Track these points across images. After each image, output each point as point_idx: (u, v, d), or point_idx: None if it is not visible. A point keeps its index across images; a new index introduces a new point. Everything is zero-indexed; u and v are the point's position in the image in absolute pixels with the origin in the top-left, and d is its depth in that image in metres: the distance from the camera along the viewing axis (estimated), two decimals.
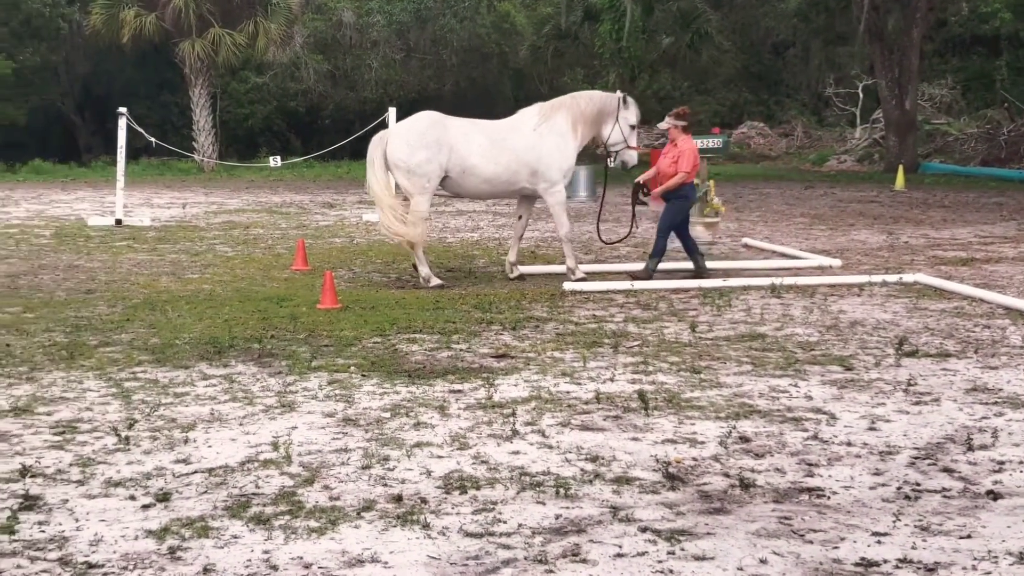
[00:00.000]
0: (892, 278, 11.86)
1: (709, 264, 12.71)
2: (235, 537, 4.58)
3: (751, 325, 9.45)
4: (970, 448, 5.82)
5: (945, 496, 5.09)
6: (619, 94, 12.36)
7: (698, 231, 16.03)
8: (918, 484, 5.26)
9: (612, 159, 12.41)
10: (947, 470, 5.49)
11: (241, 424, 6.29)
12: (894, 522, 4.74)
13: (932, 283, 11.57)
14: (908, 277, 11.89)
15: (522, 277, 12.29)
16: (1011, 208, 21.49)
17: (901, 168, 28.63)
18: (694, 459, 5.66)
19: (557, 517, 4.81)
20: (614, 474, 5.40)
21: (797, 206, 22.83)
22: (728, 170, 34.49)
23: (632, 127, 12.22)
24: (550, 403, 6.78)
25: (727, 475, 5.40)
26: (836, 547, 4.47)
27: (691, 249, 12.47)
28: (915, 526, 4.70)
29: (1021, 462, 5.59)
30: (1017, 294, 10.97)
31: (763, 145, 42.88)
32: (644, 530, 4.65)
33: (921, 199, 23.92)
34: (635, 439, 6.02)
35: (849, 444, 5.92)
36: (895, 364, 7.89)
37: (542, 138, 11.93)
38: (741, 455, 5.74)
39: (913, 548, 4.45)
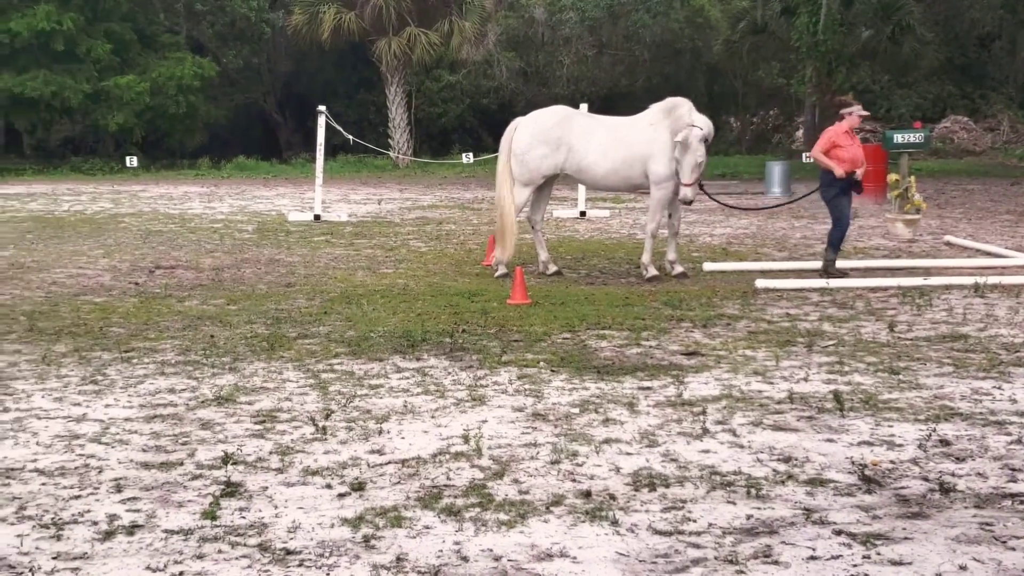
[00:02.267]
0: None
1: (908, 263, 12.26)
2: (427, 527, 4.69)
3: (953, 325, 9.11)
4: None
5: None
6: (697, 131, 11.62)
7: (899, 228, 15.56)
8: None
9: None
10: None
11: (433, 416, 6.44)
12: None
13: None
14: None
15: (685, 275, 12.11)
16: None
17: None
18: (891, 462, 5.50)
19: (748, 517, 4.75)
20: (807, 475, 5.30)
21: (1003, 203, 21.85)
22: (930, 166, 33.26)
23: (698, 164, 11.61)
24: (741, 402, 6.69)
25: (926, 479, 5.23)
26: None
27: None
28: None
29: None
30: None
31: (967, 140, 41.19)
32: (839, 533, 4.56)
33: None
34: (830, 440, 5.89)
35: None
36: None
37: (658, 133, 11.92)
38: (941, 459, 5.55)
39: None
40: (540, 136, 12.11)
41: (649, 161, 11.92)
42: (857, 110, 12.10)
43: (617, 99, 41.92)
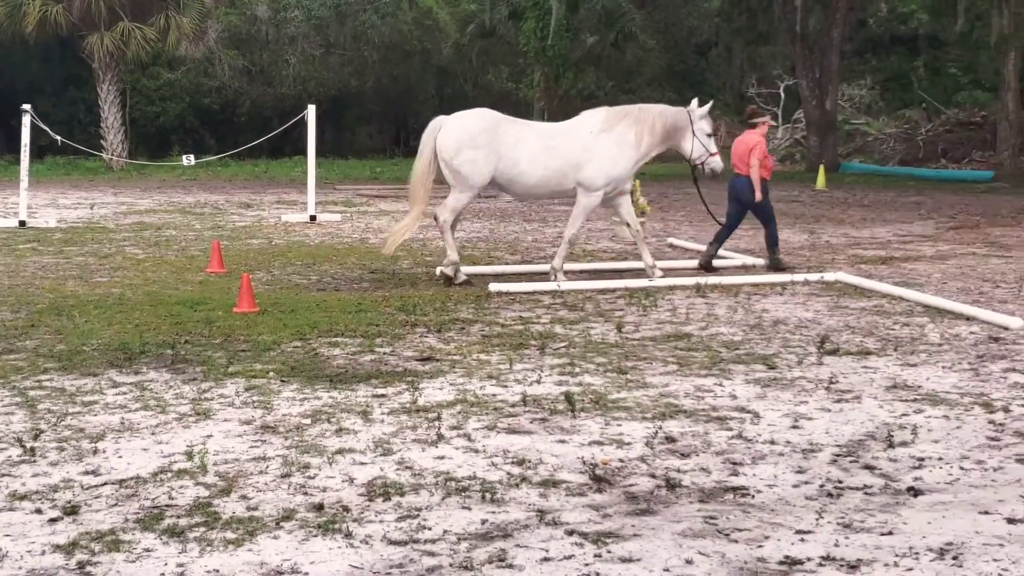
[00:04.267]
0: (814, 277, 12.07)
1: (630, 265, 12.83)
2: (147, 550, 4.52)
3: (677, 325, 9.55)
4: (891, 445, 5.94)
5: (867, 493, 5.20)
6: (690, 107, 12.68)
7: (625, 231, 16.16)
8: (840, 482, 5.36)
9: (702, 169, 12.74)
10: (868, 467, 5.60)
11: (153, 433, 6.21)
12: (817, 520, 4.82)
13: (852, 281, 11.79)
14: (829, 276, 12.11)
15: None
16: (929, 207, 21.96)
17: (822, 168, 29.13)
18: (621, 460, 5.71)
19: (483, 522, 4.82)
20: (541, 477, 5.42)
21: (721, 205, 23.03)
22: (654, 169, 34.72)
23: (709, 135, 12.65)
24: (476, 406, 6.78)
25: (653, 476, 5.45)
26: (760, 546, 4.54)
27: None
28: (837, 523, 4.78)
29: (940, 458, 5.72)
30: (935, 292, 11.22)
31: None
32: (571, 533, 4.68)
33: (841, 198, 24.36)
34: (562, 441, 6.05)
35: (773, 442, 6.02)
36: (817, 362, 8.03)
37: (598, 142, 12.02)
38: (667, 455, 5.80)
39: (836, 546, 4.53)
40: (468, 141, 11.73)
41: (586, 168, 11.92)
42: (767, 119, 13.84)
43: (347, 100, 41.81)
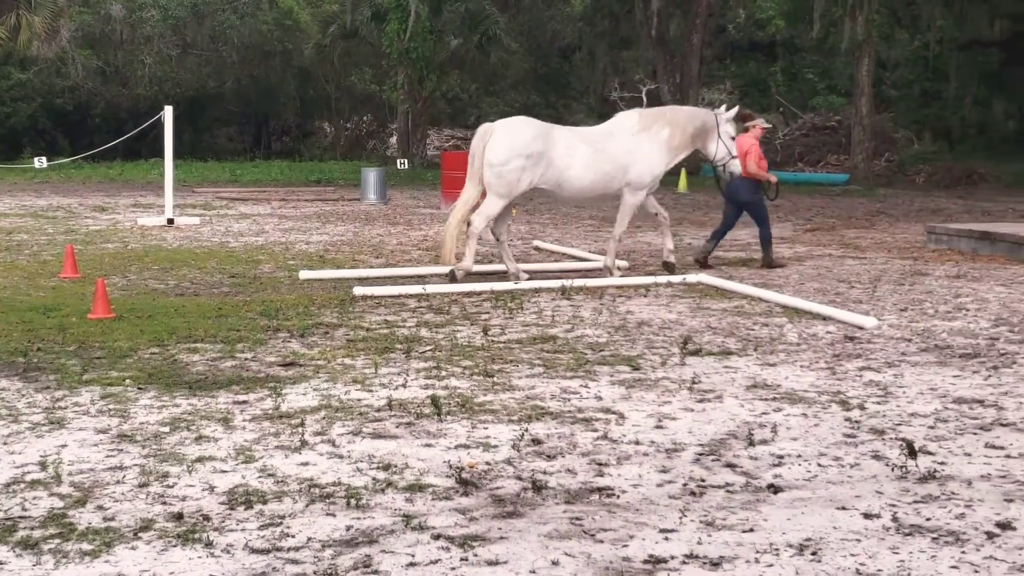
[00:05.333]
0: (676, 278, 12.30)
1: (500, 268, 12.90)
2: (0, 564, 4.37)
3: (543, 327, 9.63)
4: (751, 443, 6.08)
5: (728, 491, 5.31)
6: (717, 110, 13.31)
7: (489, 234, 16.21)
8: (703, 480, 5.47)
9: (721, 171, 13.38)
10: (730, 465, 5.72)
11: (5, 443, 6.00)
12: (680, 518, 4.91)
13: (714, 283, 12.05)
14: (692, 277, 12.36)
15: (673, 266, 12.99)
16: (786, 210, 22.56)
17: (684, 171, 29.67)
18: (487, 463, 5.72)
19: (348, 528, 4.78)
20: (407, 482, 5.41)
21: (586, 208, 23.34)
22: None
23: (733, 138, 13.20)
24: (340, 411, 6.73)
25: (520, 478, 5.48)
26: (626, 545, 4.60)
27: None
28: (700, 522, 4.88)
29: (799, 456, 5.88)
30: (793, 292, 11.54)
31: None
32: (437, 537, 4.68)
33: (703, 201, 24.89)
34: (428, 445, 6.04)
35: (637, 443, 6.11)
36: (680, 363, 8.18)
37: (639, 143, 12.63)
38: (533, 457, 5.84)
39: (699, 543, 4.62)
40: (521, 148, 12.04)
41: (632, 168, 12.54)
42: (760, 122, 14.14)
43: (205, 101, 41.09)
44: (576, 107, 46.10)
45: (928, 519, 4.91)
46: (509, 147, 12.07)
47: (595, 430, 6.37)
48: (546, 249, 15.85)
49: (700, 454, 5.92)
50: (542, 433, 6.30)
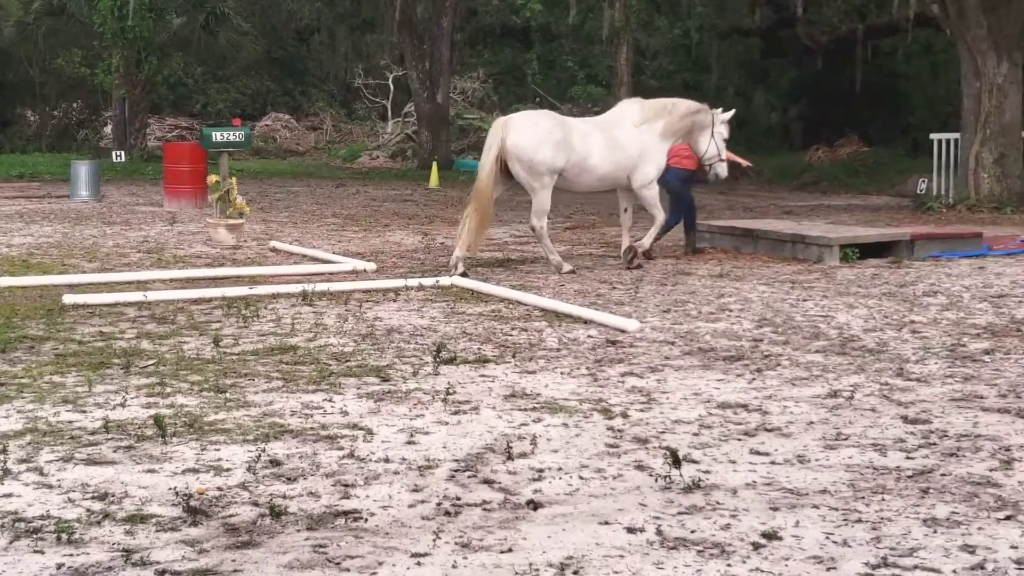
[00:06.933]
0: (428, 281, 12.39)
1: (233, 272, 12.68)
2: None
3: (281, 336, 9.51)
4: (510, 457, 6.17)
5: (486, 509, 5.37)
6: (716, 110, 14.52)
7: (221, 234, 15.94)
8: (458, 498, 5.52)
9: (708, 170, 14.68)
10: (487, 481, 5.79)
11: None
12: (434, 541, 4.93)
13: (469, 285, 12.19)
14: (445, 280, 12.47)
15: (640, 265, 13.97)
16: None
17: (435, 165, 29.95)
18: (219, 489, 5.60)
19: (59, 567, 4.59)
20: (127, 512, 5.24)
21: (328, 206, 23.26)
22: (252, 166, 34.44)
23: (725, 140, 14.49)
24: (49, 435, 6.46)
25: (256, 504, 5.39)
26: (374, 573, 4.59)
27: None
28: (456, 543, 4.92)
29: (560, 468, 6.01)
30: (553, 295, 11.80)
31: (290, 139, 43.29)
32: (162, 573, 4.55)
33: (457, 197, 25.11)
34: (151, 471, 5.87)
35: (387, 460, 6.11)
36: (433, 372, 8.23)
37: (643, 136, 13.79)
38: (272, 480, 5.75)
39: (454, 567, 4.66)
40: (545, 137, 13.05)
41: (639, 162, 13.73)
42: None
43: None
44: (316, 95, 45.79)
45: (693, 531, 5.10)
46: (534, 135, 13.13)
47: (340, 448, 6.34)
48: (284, 250, 15.67)
49: (455, 470, 5.97)
50: (281, 453, 6.21)
